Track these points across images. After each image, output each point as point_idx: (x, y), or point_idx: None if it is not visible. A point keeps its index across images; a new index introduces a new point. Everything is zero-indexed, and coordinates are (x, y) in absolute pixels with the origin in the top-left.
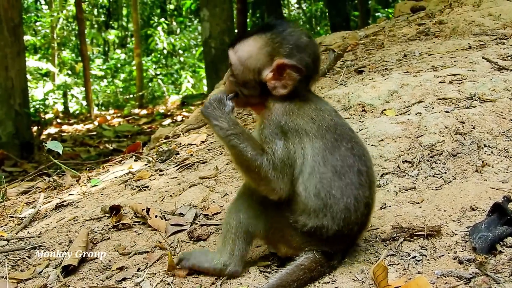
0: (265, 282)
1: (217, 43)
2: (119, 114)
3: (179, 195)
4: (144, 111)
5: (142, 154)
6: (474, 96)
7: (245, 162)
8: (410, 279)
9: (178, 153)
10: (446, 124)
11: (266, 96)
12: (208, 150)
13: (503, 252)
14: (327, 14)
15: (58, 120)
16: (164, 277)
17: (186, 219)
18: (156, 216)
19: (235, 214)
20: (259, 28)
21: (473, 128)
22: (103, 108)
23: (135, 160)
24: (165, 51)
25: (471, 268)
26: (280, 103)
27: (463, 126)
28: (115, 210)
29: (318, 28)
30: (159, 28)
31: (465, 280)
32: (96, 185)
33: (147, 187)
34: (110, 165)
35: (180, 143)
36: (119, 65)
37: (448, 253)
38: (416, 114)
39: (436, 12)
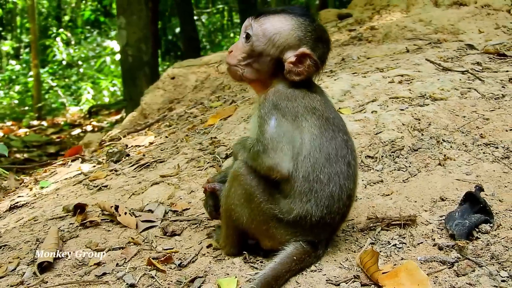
0: (253, 272)
1: (134, 50)
2: (17, 126)
3: (142, 193)
4: (43, 123)
5: (84, 157)
6: (425, 95)
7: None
8: (395, 265)
9: (128, 155)
10: (403, 121)
11: (272, 75)
12: (161, 150)
13: (479, 238)
14: (228, 26)
15: None
16: (146, 270)
17: (156, 215)
18: (125, 213)
19: (225, 198)
20: (288, 8)
21: (429, 124)
22: None
23: (81, 162)
24: (64, 62)
25: (452, 253)
26: (285, 86)
27: (419, 123)
28: (79, 208)
29: (220, 38)
30: (58, 39)
31: (449, 264)
32: (45, 187)
33: (106, 186)
34: (53, 168)
35: (127, 145)
36: (13, 77)
37: (426, 240)
38: (372, 112)
39: (365, 19)
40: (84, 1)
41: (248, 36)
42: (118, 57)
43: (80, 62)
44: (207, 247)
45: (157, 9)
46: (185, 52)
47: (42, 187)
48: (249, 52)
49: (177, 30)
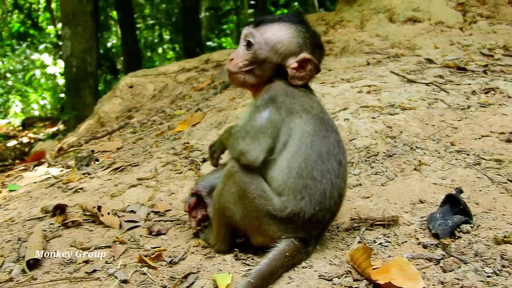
0: (245, 268)
1: (79, 61)
2: None
3: (120, 195)
4: None
5: (49, 162)
6: (394, 104)
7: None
8: (384, 262)
9: (97, 159)
10: (375, 129)
11: (271, 79)
12: (132, 155)
13: (461, 238)
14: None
15: None
16: (137, 267)
17: (139, 216)
18: (108, 213)
19: (218, 197)
20: (285, 16)
21: (400, 132)
22: None
23: (48, 167)
24: None
25: (437, 251)
26: (285, 84)
27: (391, 131)
28: (59, 209)
29: (149, 54)
30: None
31: (435, 261)
32: (14, 190)
33: (82, 188)
34: (16, 172)
35: (93, 150)
36: None
37: (410, 239)
38: (344, 120)
39: (320, 33)
40: (10, 14)
41: (249, 44)
42: (49, 70)
43: (8, 75)
44: (195, 245)
45: (98, 21)
46: (126, 65)
47: (11, 190)
48: (251, 60)
49: (109, 44)
